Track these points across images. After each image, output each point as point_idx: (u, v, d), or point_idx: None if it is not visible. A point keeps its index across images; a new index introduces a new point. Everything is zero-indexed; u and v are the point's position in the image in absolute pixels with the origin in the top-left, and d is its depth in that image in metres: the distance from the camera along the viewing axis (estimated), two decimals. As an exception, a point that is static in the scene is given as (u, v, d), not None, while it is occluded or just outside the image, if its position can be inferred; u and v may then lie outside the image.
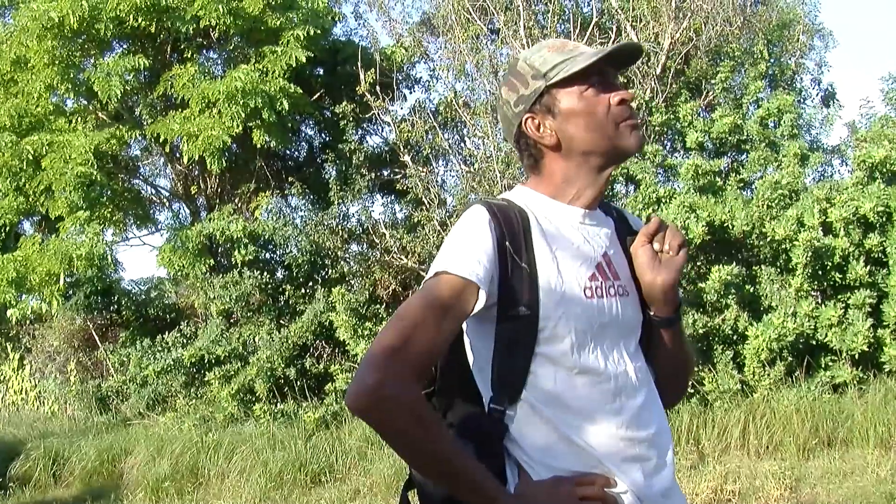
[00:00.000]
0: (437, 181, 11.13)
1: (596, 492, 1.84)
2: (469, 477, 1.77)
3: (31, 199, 11.86)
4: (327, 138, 13.65)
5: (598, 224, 2.02)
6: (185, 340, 10.82)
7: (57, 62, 11.29)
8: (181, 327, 11.07)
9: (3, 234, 12.45)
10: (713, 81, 10.46)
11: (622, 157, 2.03)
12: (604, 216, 2.06)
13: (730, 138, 9.57)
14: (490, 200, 1.97)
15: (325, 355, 10.14)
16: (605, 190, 2.03)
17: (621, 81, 2.05)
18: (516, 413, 1.87)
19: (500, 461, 1.86)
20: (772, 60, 10.81)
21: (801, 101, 11.30)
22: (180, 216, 13.82)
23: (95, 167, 11.02)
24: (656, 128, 9.79)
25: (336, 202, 10.81)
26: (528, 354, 1.86)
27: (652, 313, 2.05)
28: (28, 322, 13.42)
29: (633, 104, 2.02)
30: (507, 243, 1.87)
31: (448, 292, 1.80)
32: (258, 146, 11.47)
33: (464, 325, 1.94)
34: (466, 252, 1.84)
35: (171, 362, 10.34)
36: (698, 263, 8.60)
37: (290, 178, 12.05)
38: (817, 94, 12.33)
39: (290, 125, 12.51)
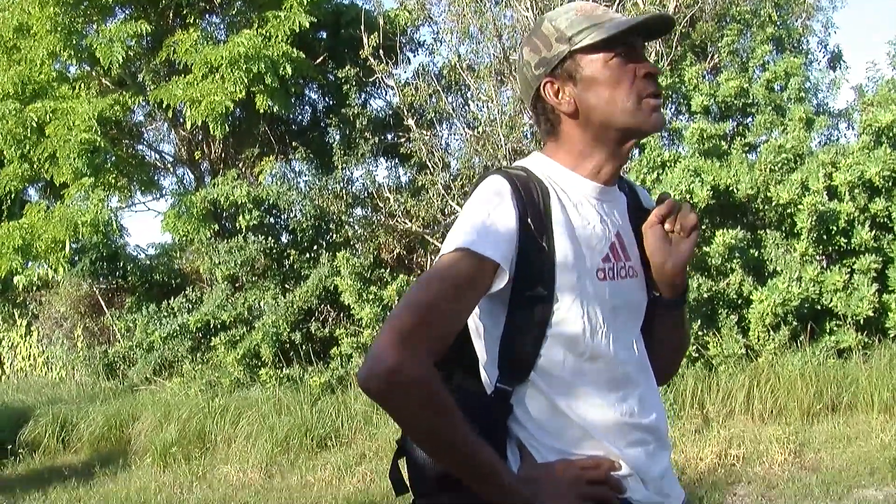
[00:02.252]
0: (440, 145, 11.09)
1: (602, 474, 1.82)
2: (485, 468, 1.73)
3: (35, 166, 11.86)
4: (331, 102, 13.60)
5: (613, 201, 1.97)
6: (190, 306, 10.85)
7: (59, 29, 11.24)
8: (186, 293, 11.09)
9: (9, 202, 12.47)
10: (719, 44, 10.39)
11: (640, 136, 1.98)
12: (618, 192, 2.00)
13: (735, 102, 9.51)
14: (510, 171, 1.89)
15: (330, 319, 10.15)
16: (625, 164, 1.99)
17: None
18: (523, 394, 1.84)
19: (503, 441, 1.84)
20: (779, 23, 10.69)
21: (808, 63, 11.19)
22: (184, 181, 13.83)
23: (99, 133, 11.00)
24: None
25: (340, 166, 10.80)
26: (539, 336, 1.82)
27: (658, 294, 2.02)
28: (35, 289, 13.47)
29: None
30: (528, 220, 1.80)
31: (469, 271, 1.74)
32: (261, 111, 11.41)
33: None
34: (488, 228, 1.77)
35: (177, 328, 10.40)
36: (703, 227, 8.58)
37: (293, 143, 12.04)
38: (824, 57, 12.22)
39: (293, 90, 12.46)
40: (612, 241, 1.91)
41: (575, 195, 1.90)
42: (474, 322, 1.92)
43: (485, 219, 1.78)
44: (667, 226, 1.96)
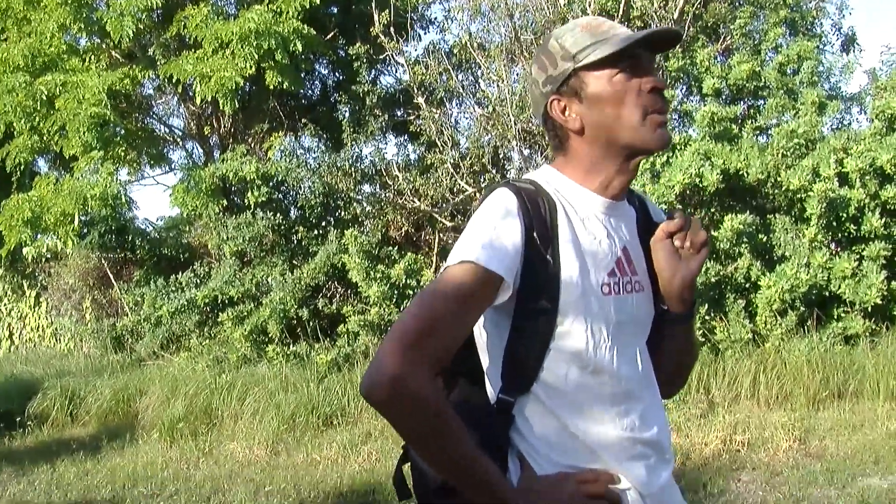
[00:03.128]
0: (450, 123, 11.07)
1: (600, 488, 1.82)
2: (483, 480, 1.74)
3: (45, 139, 11.85)
4: (341, 78, 13.58)
5: (621, 216, 1.96)
6: (198, 281, 10.87)
7: (69, 1, 11.21)
8: (195, 267, 11.10)
9: (18, 173, 12.46)
10: (731, 26, 10.33)
11: (645, 153, 1.94)
12: (627, 206, 1.99)
13: (747, 85, 9.48)
14: (518, 184, 1.89)
15: (337, 296, 10.16)
16: (633, 179, 1.96)
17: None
18: (525, 406, 1.84)
19: (504, 452, 1.85)
20: (792, 5, 10.63)
21: (821, 46, 11.13)
22: (194, 156, 13.84)
23: (108, 107, 10.99)
24: (672, 73, 9.70)
25: (349, 143, 10.78)
26: (542, 349, 1.82)
27: (665, 308, 2.01)
28: (44, 260, 13.51)
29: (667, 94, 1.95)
30: (534, 234, 1.81)
31: (473, 283, 1.73)
32: (271, 87, 11.38)
33: None
34: (494, 241, 1.77)
35: (185, 302, 10.43)
36: (712, 210, 8.57)
37: (302, 119, 12.01)
38: (837, 40, 12.14)
39: (303, 66, 12.43)
40: (618, 255, 1.92)
41: (582, 210, 1.90)
42: (479, 331, 1.93)
43: (491, 232, 1.78)
44: (676, 242, 1.96)
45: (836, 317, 8.09)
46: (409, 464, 1.95)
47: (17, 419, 9.18)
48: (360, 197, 11.10)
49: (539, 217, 1.83)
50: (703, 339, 7.91)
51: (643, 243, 1.99)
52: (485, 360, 1.93)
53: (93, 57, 12.43)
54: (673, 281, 1.95)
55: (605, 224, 1.91)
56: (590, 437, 1.84)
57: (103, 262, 12.38)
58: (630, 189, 2.03)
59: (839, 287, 7.94)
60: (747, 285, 8.18)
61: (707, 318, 7.99)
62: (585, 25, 1.91)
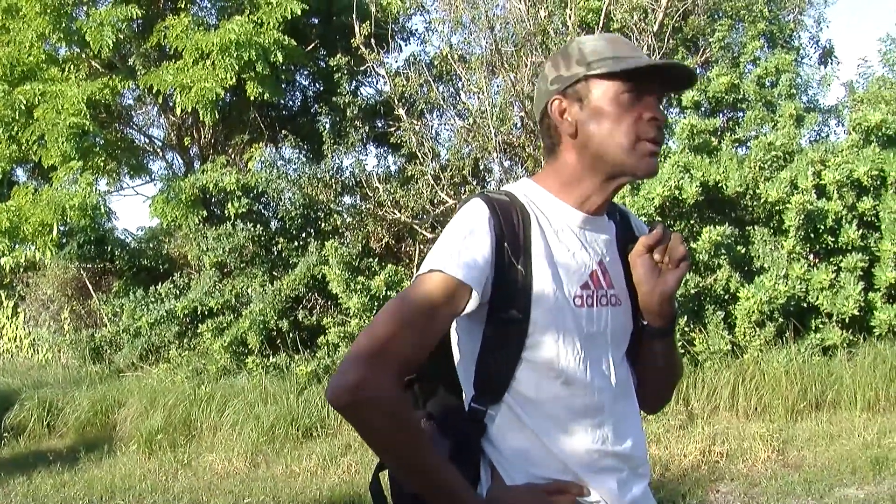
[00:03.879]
0: (431, 135, 11.09)
1: (569, 500, 1.83)
2: (448, 490, 1.75)
3: (23, 148, 11.78)
4: (321, 88, 13.58)
5: (598, 230, 1.96)
6: (178, 291, 10.81)
7: (49, 11, 11.15)
8: (174, 278, 11.05)
9: (-3, 182, 12.40)
10: (711, 39, 10.40)
11: (631, 177, 1.94)
12: (606, 221, 1.99)
13: (726, 97, 9.55)
14: (491, 195, 1.90)
15: (317, 308, 10.13)
16: (612, 198, 1.97)
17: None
18: (497, 415, 1.85)
19: (476, 461, 1.86)
20: (770, 18, 10.72)
21: (799, 59, 11.22)
22: (174, 166, 13.79)
23: (88, 117, 10.95)
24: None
25: (330, 155, 10.79)
26: (513, 359, 1.83)
27: (645, 323, 2.01)
28: (21, 270, 13.44)
29: (664, 131, 1.93)
30: (504, 244, 1.82)
31: (440, 292, 1.75)
32: (252, 98, 11.37)
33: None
34: (463, 251, 1.79)
35: (164, 313, 10.36)
36: (691, 222, 8.60)
37: (283, 131, 12.01)
38: (815, 52, 12.25)
39: (283, 77, 12.42)
40: (593, 268, 1.92)
41: (557, 222, 1.91)
42: (455, 340, 1.95)
43: (460, 243, 1.80)
44: (656, 256, 1.95)
45: (814, 328, 8.13)
46: (386, 471, 1.95)
47: (-6, 430, 9.12)
48: (340, 208, 11.09)
49: (511, 228, 1.84)
50: (683, 351, 7.93)
51: (623, 257, 1.99)
52: (460, 369, 1.94)
53: (72, 66, 12.38)
54: (652, 295, 1.95)
55: (580, 237, 1.92)
56: (560, 449, 1.85)
57: (82, 272, 12.34)
58: (613, 203, 2.04)
59: (817, 298, 7.98)
60: (726, 297, 8.21)
61: (686, 329, 8.02)
62: (611, 40, 1.92)
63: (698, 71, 10.22)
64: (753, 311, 7.82)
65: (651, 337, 2.02)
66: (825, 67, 11.95)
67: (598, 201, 1.93)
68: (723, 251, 8.12)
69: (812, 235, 8.21)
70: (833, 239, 8.21)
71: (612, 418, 1.91)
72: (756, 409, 7.53)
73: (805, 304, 8.10)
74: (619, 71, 1.85)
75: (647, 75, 1.86)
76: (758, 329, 7.93)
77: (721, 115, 9.81)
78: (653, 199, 8.06)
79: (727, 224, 8.22)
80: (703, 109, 9.62)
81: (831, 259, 8.23)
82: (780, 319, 8.00)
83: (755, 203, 8.39)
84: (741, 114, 9.77)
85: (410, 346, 1.75)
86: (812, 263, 8.24)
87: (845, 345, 7.93)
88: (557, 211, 1.92)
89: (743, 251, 8.33)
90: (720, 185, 8.35)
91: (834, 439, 6.86)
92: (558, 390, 1.85)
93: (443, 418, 1.90)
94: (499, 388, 1.84)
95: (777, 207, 8.21)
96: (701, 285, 8.08)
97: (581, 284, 1.89)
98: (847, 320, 7.96)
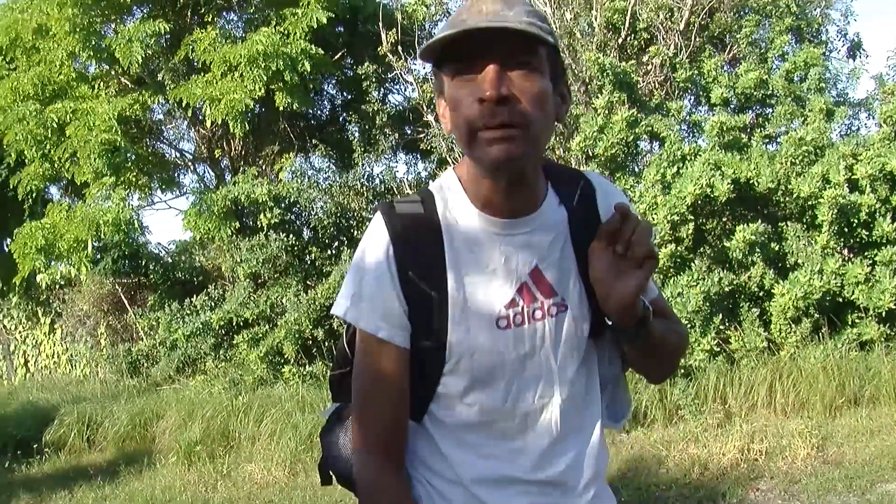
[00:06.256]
0: (460, 140, 11.06)
1: None
2: None
3: (56, 166, 11.92)
4: (349, 97, 13.64)
5: (528, 231, 1.69)
6: (213, 303, 10.89)
7: (78, 29, 11.33)
8: (209, 290, 11.13)
9: (30, 201, 12.54)
10: (738, 36, 10.35)
11: (488, 173, 1.62)
12: (542, 215, 1.71)
13: (755, 93, 9.49)
14: (399, 207, 1.70)
15: (351, 316, 10.13)
16: (515, 197, 1.66)
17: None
18: (416, 432, 1.78)
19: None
20: (797, 13, 10.65)
21: (827, 53, 11.14)
22: (205, 179, 13.91)
23: (119, 133, 11.07)
24: (680, 84, 9.71)
25: (360, 163, 10.83)
26: (432, 385, 1.72)
27: (611, 323, 1.76)
28: (58, 287, 13.58)
29: (504, 105, 1.52)
30: (409, 273, 1.65)
31: (377, 356, 1.69)
32: (280, 108, 11.44)
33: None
34: (369, 297, 1.67)
35: (200, 326, 10.44)
36: (724, 220, 8.56)
37: (313, 140, 12.06)
38: (843, 46, 12.14)
39: (311, 86, 12.49)
40: (522, 281, 1.69)
41: (474, 232, 1.69)
42: None
43: (363, 284, 1.69)
44: (618, 248, 1.63)
45: (850, 323, 8.06)
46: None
47: (34, 446, 9.22)
48: (371, 216, 11.09)
49: (414, 251, 1.67)
50: (719, 349, 7.88)
51: (580, 247, 1.72)
52: None
53: (102, 83, 12.55)
54: (608, 299, 1.67)
55: (501, 248, 1.68)
56: (465, 473, 1.74)
57: (117, 287, 12.43)
58: (578, 175, 1.81)
59: (852, 293, 7.91)
60: (761, 294, 8.16)
61: (722, 327, 7.97)
62: (458, 12, 1.60)
63: (725, 68, 10.16)
64: (789, 308, 7.76)
65: (622, 336, 1.76)
66: (854, 61, 11.85)
67: (501, 202, 1.66)
68: (757, 248, 8.07)
69: (846, 230, 8.14)
70: (867, 233, 8.13)
71: (541, 442, 1.75)
72: (794, 405, 7.46)
73: (840, 299, 8.03)
74: (440, 52, 1.57)
75: (469, 49, 1.53)
76: (793, 325, 7.87)
77: (750, 111, 9.75)
78: (684, 197, 8.03)
79: (760, 221, 8.17)
80: (731, 106, 9.56)
81: (866, 253, 8.15)
82: (816, 315, 7.93)
83: (787, 199, 8.32)
84: (770, 109, 9.71)
85: (391, 411, 1.71)
86: (846, 258, 8.17)
87: (882, 339, 7.85)
88: (472, 221, 1.69)
89: (776, 248, 8.27)
90: (751, 181, 8.30)
91: (874, 435, 6.78)
92: (473, 418, 1.72)
93: None
94: (419, 410, 1.75)
95: (809, 203, 8.14)
96: (735, 283, 8.04)
97: (506, 303, 1.68)
98: (884, 314, 7.87)
